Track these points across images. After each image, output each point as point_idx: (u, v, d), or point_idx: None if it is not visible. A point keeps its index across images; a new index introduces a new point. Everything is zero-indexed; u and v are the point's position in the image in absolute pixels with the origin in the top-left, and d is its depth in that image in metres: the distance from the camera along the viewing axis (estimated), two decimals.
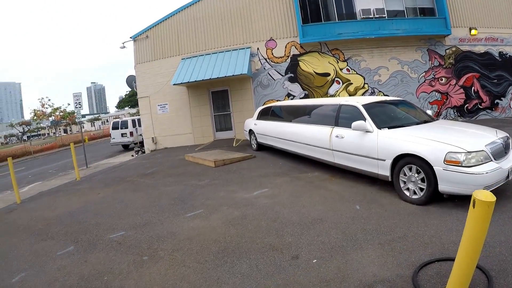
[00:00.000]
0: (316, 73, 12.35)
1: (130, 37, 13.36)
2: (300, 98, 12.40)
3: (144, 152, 13.30)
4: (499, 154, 3.79)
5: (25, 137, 49.76)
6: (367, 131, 4.72)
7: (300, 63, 12.37)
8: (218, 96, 12.91)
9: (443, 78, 12.64)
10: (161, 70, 12.87)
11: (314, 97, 12.40)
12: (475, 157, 3.55)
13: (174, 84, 11.86)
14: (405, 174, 4.14)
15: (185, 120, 12.87)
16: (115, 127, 16.58)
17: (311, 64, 12.36)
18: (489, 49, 12.88)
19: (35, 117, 43.27)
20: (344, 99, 5.88)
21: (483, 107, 12.87)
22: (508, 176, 3.71)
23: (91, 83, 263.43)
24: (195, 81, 11.63)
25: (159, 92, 12.93)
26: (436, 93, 12.65)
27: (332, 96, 12.38)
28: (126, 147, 17.24)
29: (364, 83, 12.43)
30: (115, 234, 4.09)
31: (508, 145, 4.07)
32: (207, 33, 12.94)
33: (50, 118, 44.71)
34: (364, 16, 12.16)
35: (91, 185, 7.76)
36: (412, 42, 12.47)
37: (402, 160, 4.13)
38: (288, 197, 4.79)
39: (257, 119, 9.39)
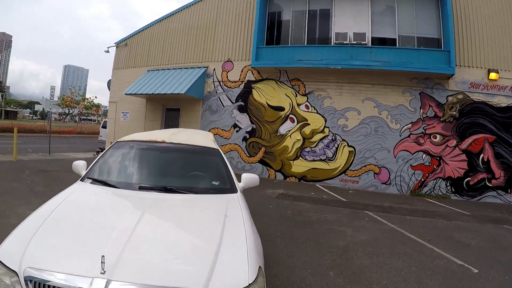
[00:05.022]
0: (269, 105, 13.42)
1: (114, 43, 16.78)
2: (246, 132, 13.40)
3: None
4: None
5: (76, 119, 63.87)
6: None
7: (253, 91, 13.70)
8: (171, 114, 15.53)
9: (438, 136, 11.99)
10: (130, 78, 16.29)
11: (262, 134, 13.21)
12: None
13: (126, 94, 15.25)
14: None
15: (139, 132, 15.45)
16: (104, 126, 20.72)
17: (265, 94, 13.43)
18: None
19: (62, 102, 54.74)
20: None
21: (493, 185, 11.74)
22: None
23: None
24: (141, 94, 14.82)
25: (124, 100, 16.44)
26: (424, 155, 12.14)
27: (281, 135, 12.89)
28: None
29: (325, 126, 12.86)
30: None
31: None
32: (173, 48, 16.02)
33: (77, 106, 56.23)
34: (337, 42, 12.60)
35: None
36: (400, 80, 12.40)
37: None
38: None
39: None
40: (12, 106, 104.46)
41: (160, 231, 3.03)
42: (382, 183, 12.27)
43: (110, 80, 18.04)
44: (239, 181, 4.58)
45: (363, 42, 12.36)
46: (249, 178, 4.55)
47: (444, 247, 6.33)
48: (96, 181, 4.03)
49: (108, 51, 17.48)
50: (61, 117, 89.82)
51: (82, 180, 4.11)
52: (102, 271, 2.17)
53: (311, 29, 13.34)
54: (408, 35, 12.39)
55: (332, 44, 12.80)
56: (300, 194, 10.63)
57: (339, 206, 9.60)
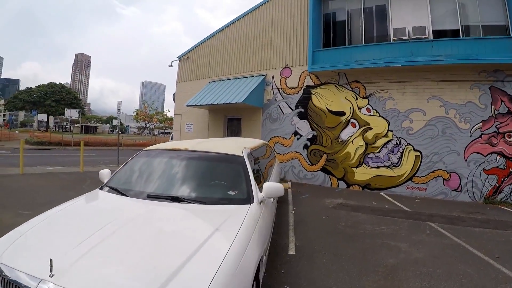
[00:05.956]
0: (329, 111, 13.57)
1: (177, 57, 17.92)
2: (307, 139, 13.80)
3: None
4: None
5: (155, 132, 68.37)
6: None
7: (313, 97, 13.87)
8: (233, 124, 16.33)
9: None
10: (193, 90, 17.33)
11: (323, 140, 13.32)
12: None
13: (187, 105, 16.41)
14: None
15: None
16: (172, 138, 21.92)
17: (324, 99, 13.59)
18: None
19: (136, 116, 58.97)
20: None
21: None
22: None
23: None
24: (201, 105, 15.79)
25: (188, 112, 17.63)
26: (498, 157, 11.43)
27: (343, 141, 12.87)
28: None
29: (388, 130, 12.70)
30: None
31: None
32: (232, 58, 16.94)
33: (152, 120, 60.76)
34: (396, 38, 12.41)
35: (61, 176, 13.52)
36: (466, 74, 11.82)
37: None
38: None
39: None
40: (92, 122, 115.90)
41: (132, 242, 3.05)
42: (452, 190, 11.74)
43: (174, 93, 19.23)
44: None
45: (423, 36, 12.03)
46: (270, 188, 4.44)
47: None
48: (112, 189, 4.44)
49: (171, 65, 18.78)
50: (140, 131, 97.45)
51: (101, 188, 4.56)
52: (51, 275, 2.43)
53: (368, 28, 13.29)
54: (472, 24, 11.83)
55: (390, 41, 12.60)
56: (359, 204, 10.62)
57: (399, 217, 9.19)
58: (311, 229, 7.70)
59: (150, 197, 4.11)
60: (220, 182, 4.70)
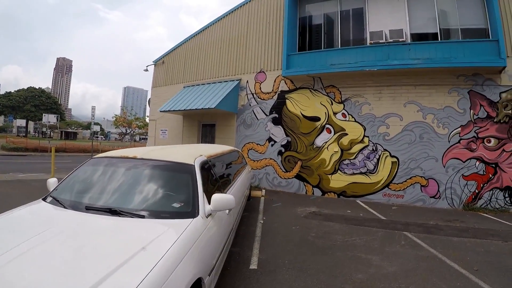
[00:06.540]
0: (304, 116, 13.15)
1: (152, 61, 17.44)
2: (281, 145, 13.17)
3: None
4: None
5: (136, 138, 68.38)
6: None
7: (287, 102, 13.46)
8: (207, 130, 15.89)
9: (492, 139, 10.96)
10: (168, 95, 16.86)
11: (298, 147, 12.85)
12: None
13: (160, 111, 15.90)
14: None
15: None
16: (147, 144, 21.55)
17: (299, 104, 13.21)
18: None
19: (115, 122, 59.62)
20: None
21: None
22: None
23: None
24: (174, 110, 15.26)
25: (163, 118, 17.12)
26: (478, 163, 11.10)
27: (318, 148, 12.41)
28: None
29: (364, 136, 12.30)
30: None
31: None
32: (207, 62, 16.53)
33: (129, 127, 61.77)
34: (373, 41, 12.10)
35: (32, 184, 12.68)
36: (445, 78, 11.53)
37: None
38: None
39: None
40: (73, 127, 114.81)
41: (47, 259, 2.73)
42: (431, 197, 11.33)
43: (149, 98, 18.69)
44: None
45: (400, 40, 11.79)
46: (219, 200, 4.09)
47: (494, 280, 5.27)
48: (54, 199, 4.10)
49: (147, 70, 18.33)
50: (121, 137, 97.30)
51: (44, 198, 4.21)
52: None
53: (344, 31, 13.01)
54: (451, 27, 11.61)
55: (367, 44, 12.30)
56: (333, 213, 10.09)
57: (374, 227, 8.68)
58: (279, 241, 7.15)
59: (89, 209, 3.77)
60: (166, 193, 4.30)
